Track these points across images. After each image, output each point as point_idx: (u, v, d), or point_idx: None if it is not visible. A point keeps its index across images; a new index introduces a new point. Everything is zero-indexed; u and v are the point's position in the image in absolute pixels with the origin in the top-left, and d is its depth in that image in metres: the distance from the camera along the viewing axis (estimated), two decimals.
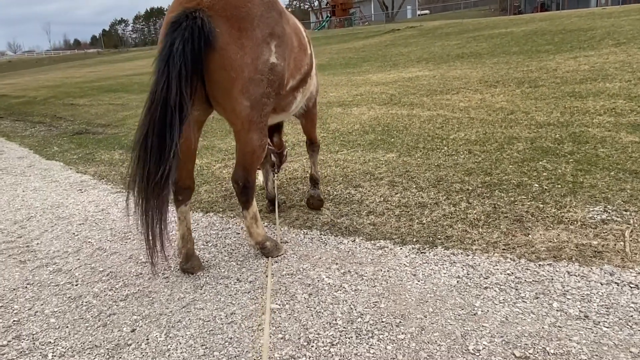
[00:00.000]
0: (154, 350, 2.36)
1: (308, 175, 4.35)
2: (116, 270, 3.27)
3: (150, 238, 2.54)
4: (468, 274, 2.78)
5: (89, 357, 2.34)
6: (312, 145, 4.17)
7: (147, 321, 2.61)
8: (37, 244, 3.87)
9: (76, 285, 3.11)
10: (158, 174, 2.38)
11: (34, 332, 2.60)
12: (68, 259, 3.52)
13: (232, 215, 4.13)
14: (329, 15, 55.50)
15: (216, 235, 3.74)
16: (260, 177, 4.38)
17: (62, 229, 4.16)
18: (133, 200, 2.50)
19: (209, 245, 3.57)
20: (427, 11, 62.78)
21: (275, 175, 4.25)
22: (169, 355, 2.31)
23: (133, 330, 2.54)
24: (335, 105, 8.84)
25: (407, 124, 6.77)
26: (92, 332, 2.56)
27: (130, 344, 2.42)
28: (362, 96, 9.56)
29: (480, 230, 3.36)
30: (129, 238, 3.83)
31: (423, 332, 2.29)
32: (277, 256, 3.23)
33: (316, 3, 69.05)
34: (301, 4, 75.88)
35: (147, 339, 2.45)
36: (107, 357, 2.34)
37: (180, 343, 2.39)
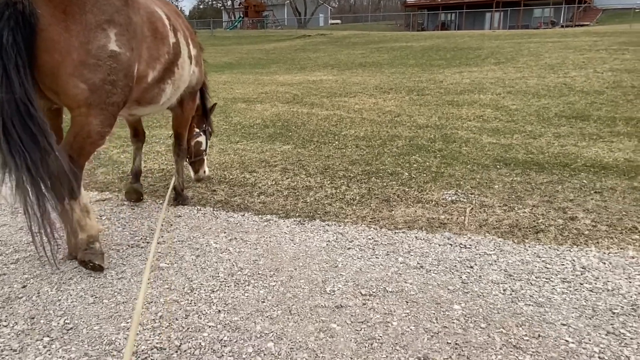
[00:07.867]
0: (44, 301, 2.55)
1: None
2: (6, 239, 3.35)
3: (47, 231, 2.53)
4: (337, 239, 3.26)
5: None
6: (179, 146, 3.97)
7: (38, 279, 2.77)
8: None
9: None
10: (38, 164, 2.40)
11: None
12: None
13: None
14: (241, 15, 55.30)
15: (110, 210, 3.90)
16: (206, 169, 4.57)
17: None
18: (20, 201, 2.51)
19: (103, 218, 3.74)
20: (338, 21, 64.85)
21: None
22: (59, 305, 2.51)
23: (24, 287, 2.70)
24: (240, 101, 9.15)
25: (306, 120, 7.26)
26: None
27: (21, 297, 2.59)
28: (267, 94, 9.96)
29: (354, 207, 3.87)
30: (20, 212, 3.86)
31: (291, 279, 2.72)
32: (98, 264, 2.81)
33: (229, 2, 68.50)
34: (214, 2, 74.74)
35: (38, 293, 2.63)
36: None
37: (71, 295, 2.60)
